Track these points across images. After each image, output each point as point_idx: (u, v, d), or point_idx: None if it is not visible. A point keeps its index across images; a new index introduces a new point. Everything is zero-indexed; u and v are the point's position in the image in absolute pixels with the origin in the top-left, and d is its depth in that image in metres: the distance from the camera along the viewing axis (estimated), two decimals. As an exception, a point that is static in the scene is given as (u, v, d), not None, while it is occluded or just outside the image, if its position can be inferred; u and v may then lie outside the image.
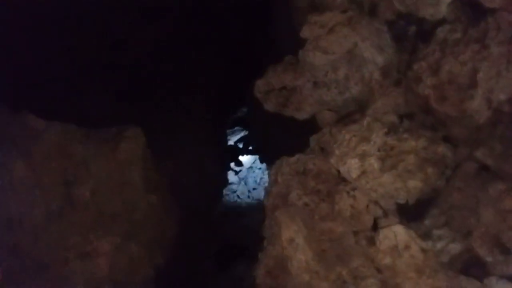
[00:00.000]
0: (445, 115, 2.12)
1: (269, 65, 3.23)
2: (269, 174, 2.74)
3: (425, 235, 1.93)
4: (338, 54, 2.47)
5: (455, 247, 1.81)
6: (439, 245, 1.83)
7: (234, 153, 8.98)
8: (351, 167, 2.21)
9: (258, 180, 8.25)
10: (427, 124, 2.24)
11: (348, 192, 2.30)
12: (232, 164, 9.00)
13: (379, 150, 2.20)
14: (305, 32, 2.49)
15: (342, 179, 2.41)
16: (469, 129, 2.06)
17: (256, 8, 5.43)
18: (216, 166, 6.94)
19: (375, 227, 2.20)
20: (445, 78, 2.05)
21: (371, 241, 2.05)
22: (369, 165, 2.17)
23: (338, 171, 2.41)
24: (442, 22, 2.15)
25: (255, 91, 3.10)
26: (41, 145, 2.69)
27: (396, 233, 1.93)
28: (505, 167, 1.85)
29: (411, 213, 2.18)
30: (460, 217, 1.92)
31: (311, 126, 2.97)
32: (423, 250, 1.84)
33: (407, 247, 1.87)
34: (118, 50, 5.36)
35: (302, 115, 2.89)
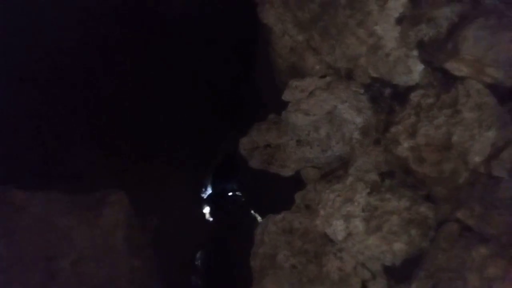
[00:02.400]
0: (424, 175, 2.19)
1: (252, 120, 3.31)
2: (255, 234, 2.71)
3: (414, 301, 1.92)
4: (319, 116, 2.55)
5: (444, 314, 1.80)
6: (428, 312, 1.82)
7: (221, 197, 8.91)
8: (337, 228, 2.23)
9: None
10: (407, 182, 2.30)
11: (335, 254, 2.30)
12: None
13: (363, 211, 2.23)
14: (287, 96, 2.58)
15: (329, 239, 2.41)
16: (449, 189, 2.12)
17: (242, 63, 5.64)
18: (201, 213, 6.84)
19: (364, 290, 2.18)
20: (421, 141, 2.13)
21: (361, 307, 2.03)
22: (354, 227, 2.19)
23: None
24: (415, 87, 2.27)
25: (240, 149, 3.14)
26: (24, 220, 2.63)
27: (384, 302, 1.92)
28: (487, 229, 1.89)
29: (398, 274, 2.18)
30: (447, 279, 1.93)
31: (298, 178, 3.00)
32: (413, 320, 1.82)
33: (396, 316, 1.85)
34: (105, 102, 5.40)
35: (286, 172, 2.92)
